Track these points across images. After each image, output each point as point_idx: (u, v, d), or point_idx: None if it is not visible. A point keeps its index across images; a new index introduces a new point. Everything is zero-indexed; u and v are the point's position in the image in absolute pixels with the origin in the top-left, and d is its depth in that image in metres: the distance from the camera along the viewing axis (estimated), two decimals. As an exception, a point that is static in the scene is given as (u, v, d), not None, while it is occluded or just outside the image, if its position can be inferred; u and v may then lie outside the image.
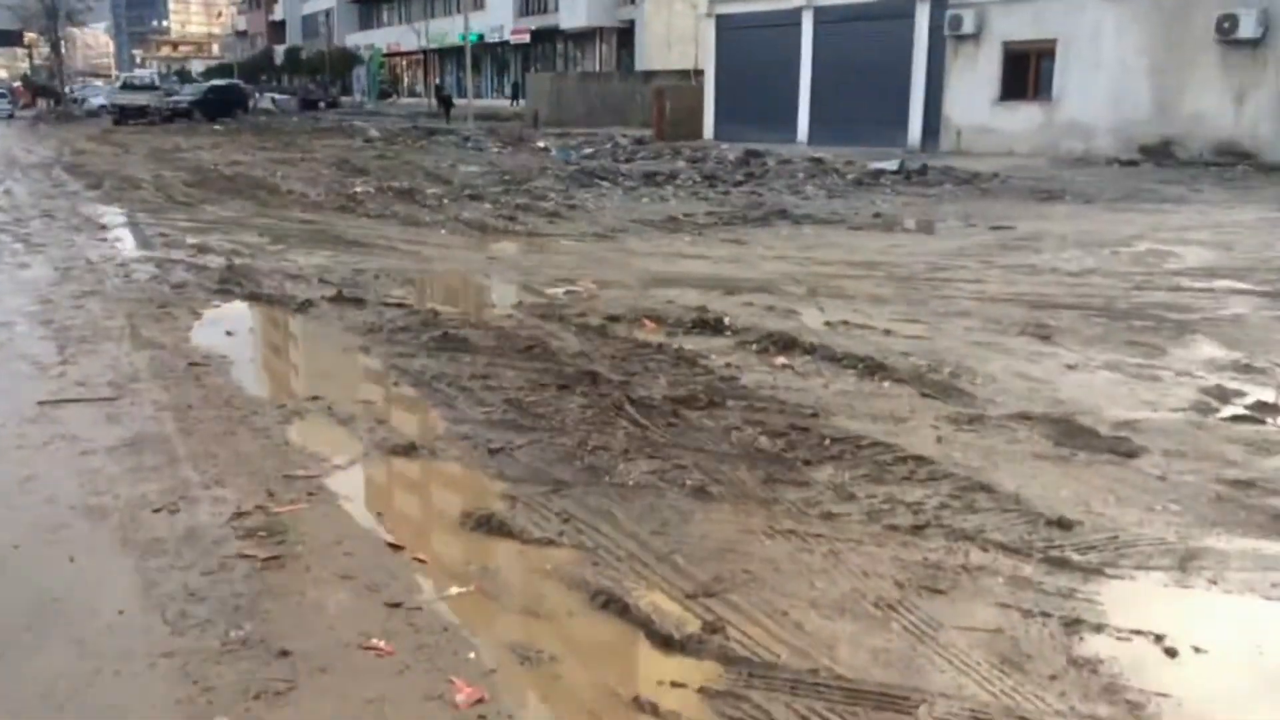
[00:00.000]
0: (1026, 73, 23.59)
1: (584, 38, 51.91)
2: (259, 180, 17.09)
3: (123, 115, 41.53)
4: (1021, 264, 9.20)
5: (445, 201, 14.44)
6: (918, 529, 3.62)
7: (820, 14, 28.97)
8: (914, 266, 9.23)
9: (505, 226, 12.46)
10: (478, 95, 60.32)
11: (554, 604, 3.33)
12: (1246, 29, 19.03)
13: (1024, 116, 23.33)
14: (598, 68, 50.50)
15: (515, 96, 47.56)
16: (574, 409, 5.22)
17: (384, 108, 60.96)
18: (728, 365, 5.97)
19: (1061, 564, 3.34)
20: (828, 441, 4.56)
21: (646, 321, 7.27)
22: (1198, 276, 8.33)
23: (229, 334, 7.41)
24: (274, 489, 4.30)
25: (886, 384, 5.48)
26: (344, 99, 67.47)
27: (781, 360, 6.02)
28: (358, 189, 15.42)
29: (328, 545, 3.77)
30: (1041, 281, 8.32)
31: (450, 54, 63.66)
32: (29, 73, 68.41)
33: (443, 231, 12.15)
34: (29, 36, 60.20)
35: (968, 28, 24.12)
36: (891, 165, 19.52)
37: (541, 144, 28.99)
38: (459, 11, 61.63)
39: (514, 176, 18.21)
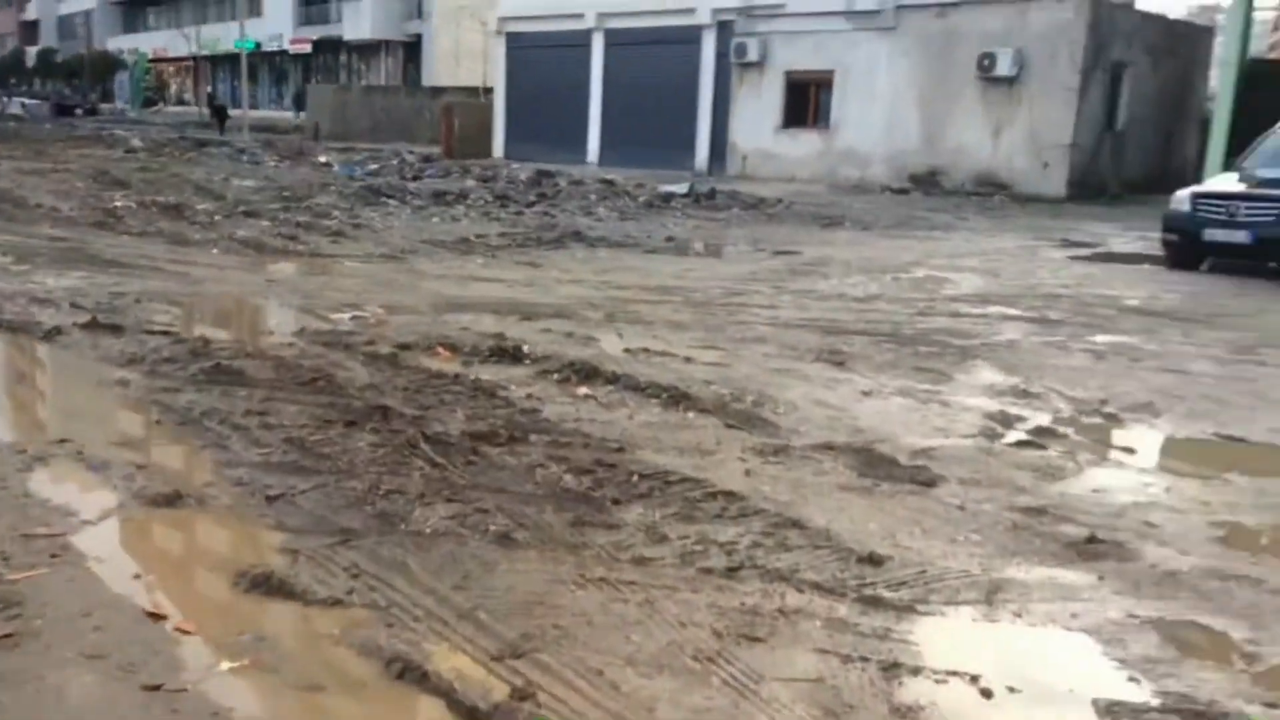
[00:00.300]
0: (807, 101, 24.58)
1: (368, 50, 50.55)
2: (2, 193, 15.53)
3: None
4: (811, 289, 9.42)
5: (218, 219, 13.54)
6: (732, 571, 3.50)
7: (610, 36, 29.25)
8: (709, 291, 9.29)
9: (285, 246, 11.77)
10: (254, 106, 57.73)
11: (343, 675, 3.00)
12: (1003, 67, 20.49)
13: (805, 144, 24.27)
14: (383, 81, 49.25)
15: (298, 108, 45.67)
16: (363, 448, 4.84)
17: (149, 116, 57.25)
18: (529, 396, 5.73)
19: (875, 603, 3.28)
20: (636, 478, 4.40)
21: (441, 349, 6.94)
22: (973, 303, 8.76)
23: (-33, 369, 6.58)
24: (9, 551, 3.74)
25: (691, 414, 5.39)
26: (104, 106, 62.91)
27: (584, 390, 5.84)
28: (118, 203, 14.24)
29: (73, 618, 3.28)
30: (831, 307, 8.53)
31: (224, 62, 60.57)
32: None
33: (215, 251, 11.34)
34: None
35: (752, 56, 24.91)
36: (681, 188, 19.83)
37: (323, 159, 27.87)
38: (233, 18, 58.85)
39: (294, 192, 17.34)
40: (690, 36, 27.10)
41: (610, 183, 20.91)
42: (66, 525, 4.03)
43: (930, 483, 4.34)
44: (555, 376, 6.18)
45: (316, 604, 3.42)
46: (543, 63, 30.84)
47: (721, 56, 26.31)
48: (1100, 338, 7.41)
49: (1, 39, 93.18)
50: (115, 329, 7.36)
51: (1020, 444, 4.96)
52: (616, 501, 4.15)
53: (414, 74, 48.11)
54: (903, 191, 21.31)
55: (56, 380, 6.60)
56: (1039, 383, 6.10)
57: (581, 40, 29.77)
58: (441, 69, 46.06)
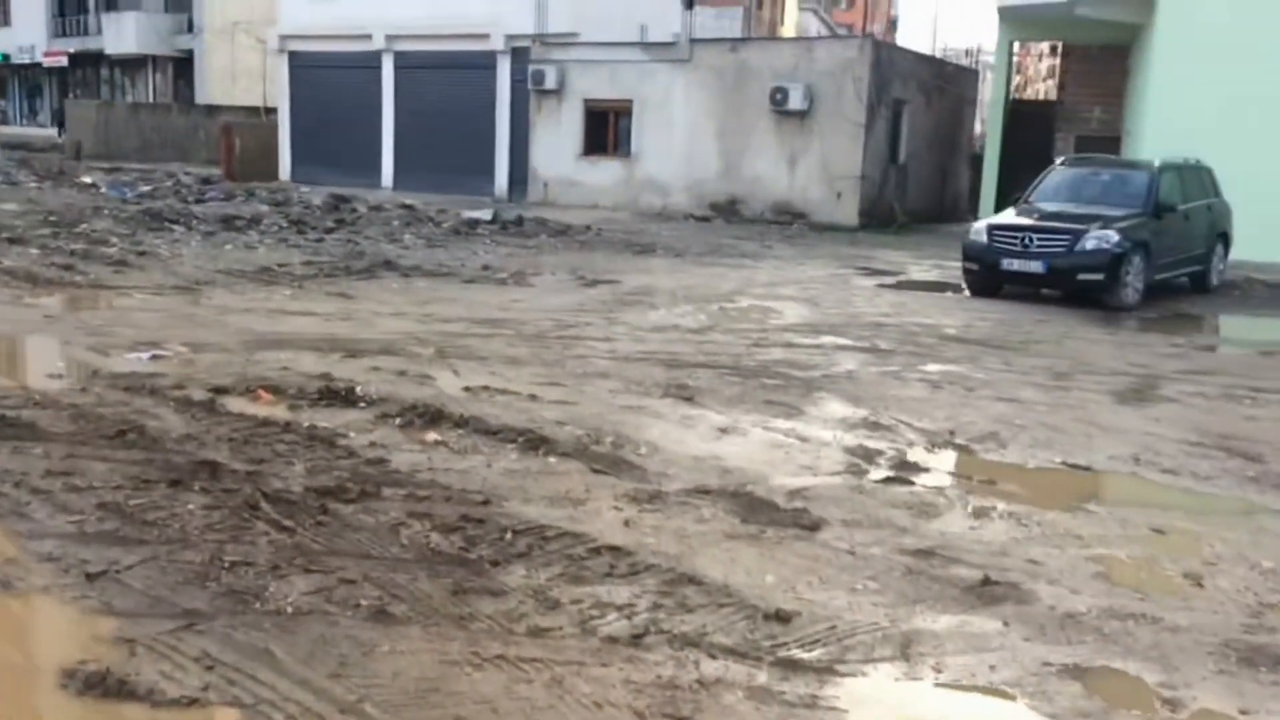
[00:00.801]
0: (607, 130, 24.71)
1: (134, 65, 47.33)
2: None
3: None
4: (643, 321, 9.32)
5: (-20, 248, 12.17)
6: (638, 639, 3.27)
7: (401, 58, 28.48)
8: (540, 323, 9.03)
9: (61, 277, 10.68)
10: (4, 122, 53.08)
11: (216, 794, 2.58)
12: (795, 102, 21.26)
13: (607, 171, 24.39)
14: (151, 98, 46.21)
15: (60, 125, 42.05)
16: (195, 511, 4.32)
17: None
18: (372, 444, 5.32)
19: (793, 666, 3.14)
20: (509, 534, 4.11)
21: (262, 393, 6.38)
22: (804, 333, 8.89)
23: None
24: None
25: (552, 459, 5.13)
26: None
27: (432, 436, 5.47)
28: None
29: None
30: (668, 339, 8.45)
31: (-34, 72, 55.42)
32: None
33: (-22, 284, 10.15)
34: None
35: (550, 83, 24.83)
36: (486, 215, 19.49)
37: (88, 179, 25.76)
38: (-24, 25, 54.01)
39: (62, 217, 15.88)
40: (485, 62, 26.75)
41: (411, 208, 20.30)
42: None
43: (814, 526, 4.27)
44: (397, 421, 5.78)
45: (167, 706, 2.96)
46: (330, 83, 29.71)
47: (518, 83, 26.09)
48: (931, 366, 7.65)
49: None
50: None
51: (888, 480, 4.97)
52: (495, 563, 3.85)
53: (186, 91, 45.38)
54: (705, 219, 21.72)
55: None
56: (886, 414, 6.19)
57: (371, 62, 28.86)
58: (216, 87, 43.64)
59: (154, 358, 7.46)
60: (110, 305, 9.64)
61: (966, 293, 11.96)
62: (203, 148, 37.43)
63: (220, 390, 6.40)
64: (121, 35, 44.36)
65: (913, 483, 4.94)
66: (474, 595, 3.56)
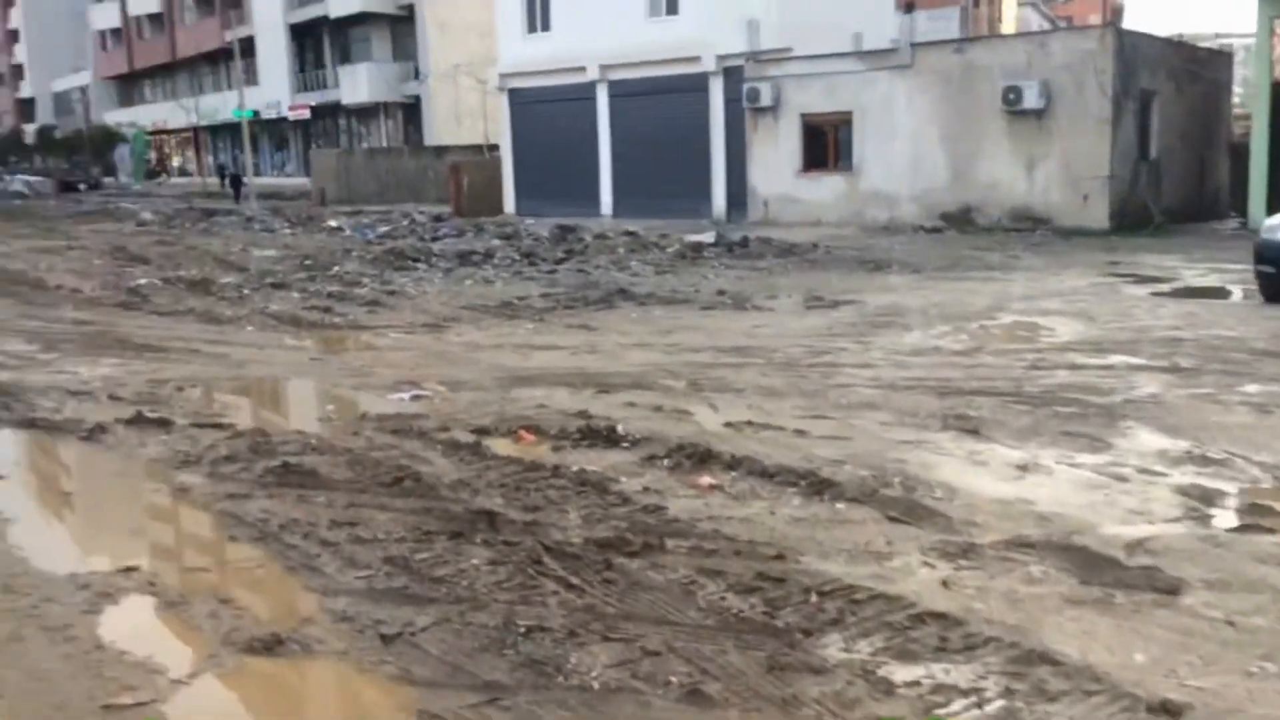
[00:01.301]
0: (826, 144, 24.14)
1: (368, 113, 50.37)
2: (19, 274, 14.98)
3: None
4: (899, 344, 8.78)
5: (246, 292, 12.95)
6: (999, 731, 2.82)
7: (615, 87, 28.90)
8: (789, 350, 8.65)
9: (321, 319, 11.17)
10: (258, 173, 57.58)
11: None
12: (1030, 100, 20.03)
13: (828, 186, 23.79)
14: (384, 143, 49.02)
15: (307, 173, 45.13)
16: (479, 567, 4.17)
17: (153, 189, 57.09)
18: (645, 490, 5.07)
19: (1201, 774, 2.60)
20: (814, 596, 3.73)
21: (524, 434, 6.29)
22: (1087, 351, 8.11)
23: (1, 478, 5.92)
24: (92, 732, 3.08)
25: (840, 505, 4.72)
26: (107, 180, 62.84)
27: (706, 480, 5.17)
28: (141, 281, 13.67)
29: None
30: (932, 364, 7.89)
31: (223, 131, 60.55)
32: None
33: (249, 328, 10.73)
34: None
35: (765, 100, 24.49)
36: (709, 238, 19.31)
37: (333, 223, 27.43)
38: (229, 87, 58.86)
39: (316, 260, 16.80)
40: (697, 84, 26.72)
41: (634, 235, 20.38)
42: (153, 688, 3.36)
43: (1173, 589, 3.67)
44: (665, 462, 5.52)
45: (482, 793, 2.74)
46: (548, 117, 30.49)
47: (732, 102, 25.91)
48: (1251, 387, 6.75)
49: None
50: (163, 423, 6.73)
51: (1243, 528, 4.29)
52: (806, 632, 3.47)
53: (415, 134, 47.87)
54: (936, 230, 20.76)
55: (108, 490, 5.94)
56: (1214, 446, 5.44)
57: (586, 93, 29.43)
58: (442, 128, 45.80)
59: (415, 398, 7.55)
60: (368, 345, 9.95)
61: (1261, 299, 10.71)
62: (433, 187, 39.23)
63: (483, 431, 6.35)
64: (356, 86, 47.27)
65: (1273, 530, 4.23)
66: (792, 673, 3.19)
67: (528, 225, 24.24)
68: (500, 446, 6.02)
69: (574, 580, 3.99)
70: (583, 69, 28.88)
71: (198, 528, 5.06)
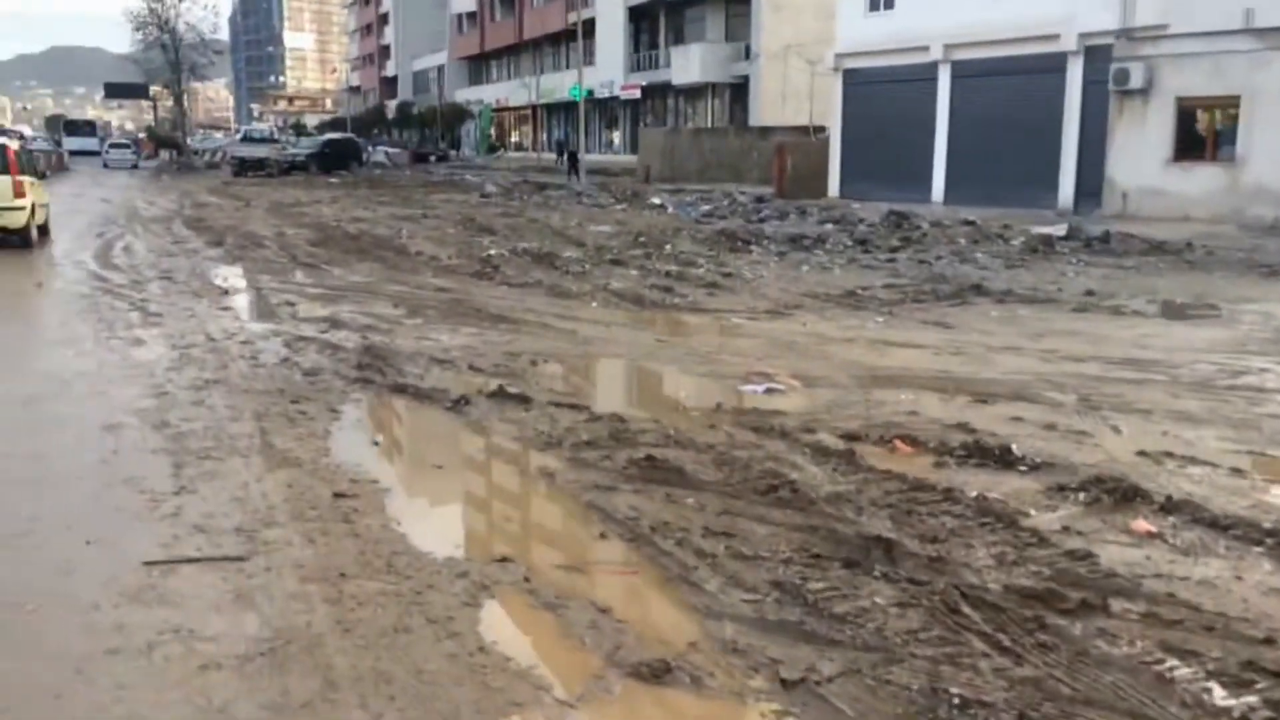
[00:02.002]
0: (1203, 131, 21.54)
1: (695, 93, 50.97)
2: (385, 240, 16.04)
3: (242, 167, 41.69)
4: (1343, 368, 7.37)
5: (588, 267, 13.10)
6: None
7: (959, 68, 27.26)
8: (1197, 366, 7.47)
9: (662, 299, 11.02)
10: (588, 150, 59.92)
11: None
12: None
13: (1203, 179, 21.22)
14: (709, 123, 49.43)
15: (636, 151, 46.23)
16: (884, 607, 3.63)
17: (492, 162, 60.91)
18: (1065, 529, 4.33)
19: None
20: (1337, 707, 2.89)
21: (900, 444, 5.68)
22: None
23: (375, 444, 6.05)
24: (485, 756, 2.82)
25: (1335, 580, 3.78)
26: (453, 153, 67.80)
27: (1142, 525, 4.35)
28: (491, 252, 14.20)
29: None
30: (1398, 397, 6.51)
31: (558, 109, 63.49)
32: (153, 125, 70.37)
33: (594, 304, 10.75)
34: (154, 90, 61.80)
35: (1135, 83, 22.15)
36: (1059, 230, 17.68)
37: (657, 200, 27.79)
38: (569, 67, 61.53)
39: (649, 238, 16.86)
40: (1053, 65, 24.62)
41: (973, 224, 19.05)
42: (541, 710, 3.08)
43: None
44: (1080, 496, 4.73)
45: None
46: (882, 98, 29.31)
47: (1092, 84, 23.66)
48: None
49: (365, 94, 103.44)
50: (522, 400, 6.69)
51: None
52: (1343, 759, 2.66)
53: (740, 115, 47.89)
54: (1339, 234, 17.93)
55: (475, 470, 5.92)
56: None
57: (926, 74, 27.96)
58: (768, 109, 45.48)
59: (769, 391, 7.13)
60: (711, 329, 9.66)
61: None
62: (755, 167, 39.03)
63: (852, 437, 5.80)
64: (688, 66, 47.87)
65: None
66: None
67: (854, 209, 23.37)
68: (874, 457, 5.44)
69: (1004, 640, 3.36)
70: (925, 48, 27.48)
71: (566, 520, 4.86)
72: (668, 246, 15.78)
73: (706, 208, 25.61)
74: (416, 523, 4.72)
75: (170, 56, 53.24)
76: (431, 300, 10.78)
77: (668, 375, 7.90)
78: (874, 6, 29.47)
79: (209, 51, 57.54)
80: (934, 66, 27.70)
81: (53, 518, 4.51)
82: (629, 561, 4.23)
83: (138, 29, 52.95)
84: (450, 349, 8.36)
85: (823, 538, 4.28)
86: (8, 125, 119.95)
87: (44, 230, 16.06)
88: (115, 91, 69.40)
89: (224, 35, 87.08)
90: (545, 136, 66.11)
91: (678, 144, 43.29)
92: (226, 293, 11.22)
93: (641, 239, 16.67)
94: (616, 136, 59.31)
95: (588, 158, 44.85)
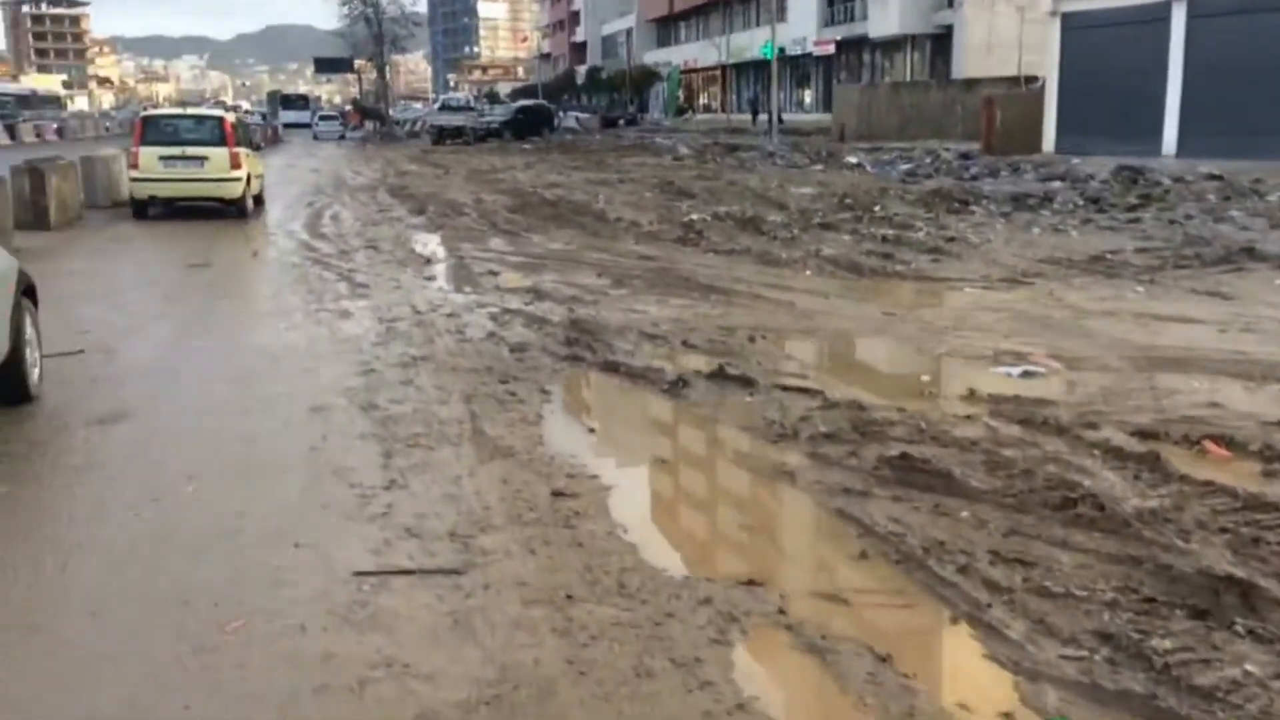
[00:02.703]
0: None
1: (892, 46, 48.74)
2: (582, 205, 15.67)
3: (440, 135, 42.60)
4: None
5: (796, 232, 12.29)
6: None
7: (1194, 7, 24.68)
8: None
9: (882, 266, 10.13)
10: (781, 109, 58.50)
11: None
12: None
13: None
14: (908, 77, 47.19)
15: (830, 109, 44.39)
16: (1263, 680, 2.80)
17: (681, 124, 60.36)
18: None
19: None
20: None
21: (1212, 445, 4.72)
22: None
23: (591, 432, 5.54)
24: None
25: None
26: (641, 116, 67.62)
27: None
28: (693, 216, 13.57)
29: None
30: None
31: (747, 68, 62.18)
32: (358, 97, 73.25)
33: (808, 273, 9.98)
34: (358, 63, 64.15)
35: None
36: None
37: (853, 159, 26.49)
38: (759, 25, 60.05)
39: (855, 199, 15.84)
40: (1310, -2, 21.95)
41: (1219, 179, 17.11)
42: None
43: None
44: None
45: None
46: (1105, 44, 26.91)
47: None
48: None
49: (555, 60, 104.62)
50: (745, 382, 6.04)
51: None
52: None
53: (941, 67, 45.45)
54: None
55: (704, 464, 5.31)
56: None
57: (1157, 14, 25.44)
58: (971, 60, 42.88)
59: (1026, 374, 6.23)
60: (941, 300, 8.74)
61: None
62: (959, 122, 36.92)
63: (1147, 435, 4.88)
64: (886, 17, 45.81)
65: None
66: None
67: (1075, 165, 21.52)
68: (1183, 461, 4.52)
69: None
70: (1158, -15, 25.05)
71: (816, 532, 4.19)
72: (877, 208, 14.76)
73: (907, 166, 24.24)
74: (644, 531, 4.16)
75: (374, 30, 55.00)
76: (635, 269, 10.25)
77: (903, 354, 7.08)
78: (1099, -57, 27.07)
79: (409, 24, 59.21)
80: (1166, 6, 25.18)
81: (261, 515, 4.17)
82: (901, 591, 3.53)
83: (344, 3, 54.93)
84: (660, 322, 7.79)
85: (1151, 573, 3.44)
86: (228, 100, 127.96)
87: (259, 200, 16.49)
88: (324, 66, 72.65)
89: (422, 8, 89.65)
90: (734, 97, 64.96)
91: (874, 100, 41.48)
92: (429, 261, 11.04)
93: (847, 200, 15.68)
94: (808, 94, 57.63)
95: (788, 117, 43.56)
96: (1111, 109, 26.51)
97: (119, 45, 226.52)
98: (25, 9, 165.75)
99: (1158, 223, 12.92)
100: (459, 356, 6.82)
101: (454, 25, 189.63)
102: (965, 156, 26.62)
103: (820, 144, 33.87)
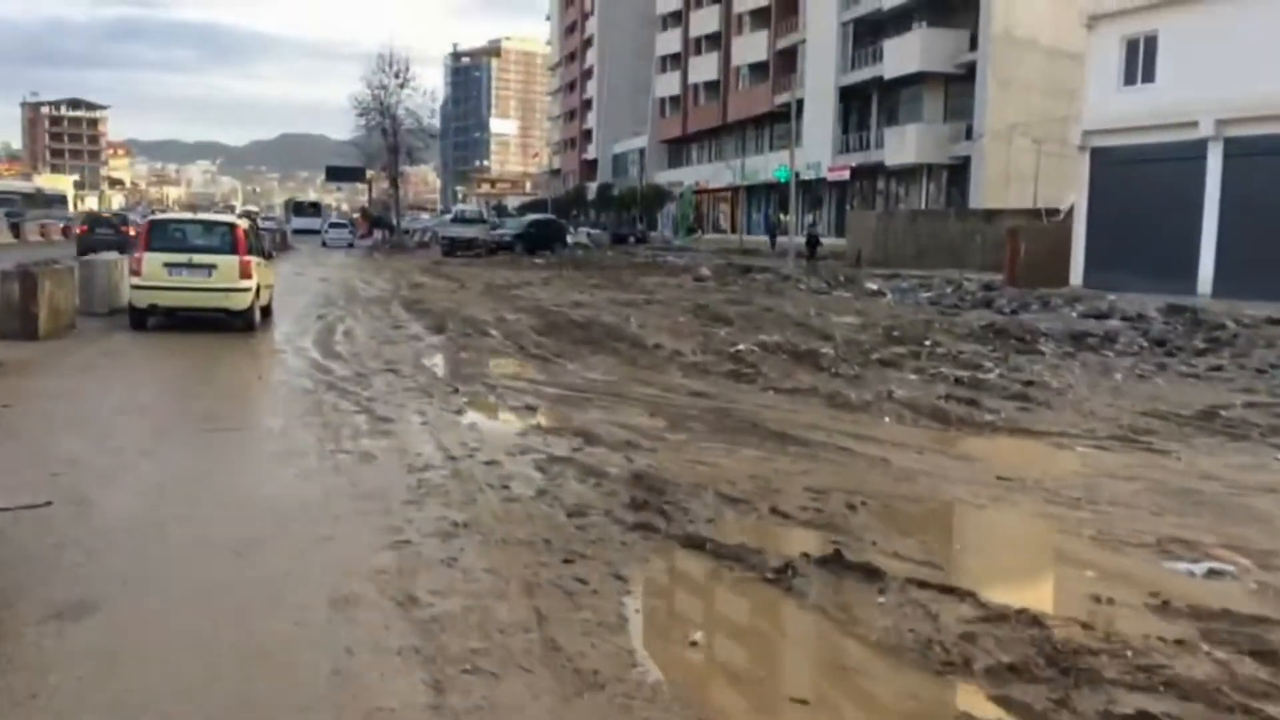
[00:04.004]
0: None
1: (908, 174, 48.73)
2: (615, 329, 14.61)
3: (452, 246, 42.06)
4: None
5: (858, 370, 11.20)
6: None
7: (1233, 145, 24.21)
8: None
9: (969, 415, 8.99)
10: (785, 233, 58.37)
11: None
12: None
13: None
14: (923, 204, 47.03)
15: (845, 234, 43.77)
16: None
17: (691, 243, 60.17)
18: None
19: None
20: None
21: None
22: None
23: (694, 645, 4.30)
24: None
25: None
26: (652, 234, 67.58)
27: None
28: (740, 348, 12.50)
29: None
30: None
31: (758, 190, 62.35)
32: (366, 206, 73.36)
33: (887, 420, 8.84)
34: (370, 173, 64.27)
35: None
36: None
37: (872, 285, 25.75)
38: (772, 149, 60.40)
39: (903, 332, 14.85)
40: (1355, 140, 21.45)
41: (1280, 323, 16.20)
42: None
43: None
44: None
45: None
46: (1137, 178, 26.36)
47: (1407, 161, 20.36)
48: None
49: (565, 176, 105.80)
50: (869, 573, 4.84)
51: None
52: None
53: (957, 197, 45.31)
54: None
55: (855, 706, 4.03)
56: None
57: (1193, 152, 24.93)
58: (990, 191, 42.73)
59: (1211, 573, 5.03)
60: (1058, 463, 7.56)
61: None
62: (978, 252, 36.46)
63: None
64: (902, 146, 45.85)
65: None
66: None
67: (1112, 301, 20.64)
68: None
69: None
70: (1194, 124, 24.55)
71: None
72: (927, 342, 13.75)
73: (927, 294, 23.49)
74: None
75: (389, 141, 55.12)
76: (690, 408, 9.11)
77: (1045, 536, 5.88)
78: (1130, 79, 26.72)
79: (425, 136, 59.43)
80: (1203, 144, 24.71)
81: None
82: None
83: (361, 114, 55.15)
84: (735, 480, 6.61)
85: None
86: (238, 205, 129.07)
87: (266, 311, 15.45)
88: (335, 175, 72.87)
89: (437, 121, 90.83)
90: (745, 218, 65.02)
91: (891, 226, 41.15)
92: (456, 390, 9.88)
93: (895, 334, 14.69)
94: (820, 218, 57.55)
95: (789, 240, 43.02)
96: (1144, 245, 25.86)
97: (134, 148, 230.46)
98: (45, 110, 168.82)
99: (1244, 372, 11.87)
100: (508, 523, 5.60)
101: (465, 139, 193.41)
102: (989, 288, 25.94)
103: (836, 268, 33.22)
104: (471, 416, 8.69)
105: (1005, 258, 30.27)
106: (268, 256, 16.49)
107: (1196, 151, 24.83)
